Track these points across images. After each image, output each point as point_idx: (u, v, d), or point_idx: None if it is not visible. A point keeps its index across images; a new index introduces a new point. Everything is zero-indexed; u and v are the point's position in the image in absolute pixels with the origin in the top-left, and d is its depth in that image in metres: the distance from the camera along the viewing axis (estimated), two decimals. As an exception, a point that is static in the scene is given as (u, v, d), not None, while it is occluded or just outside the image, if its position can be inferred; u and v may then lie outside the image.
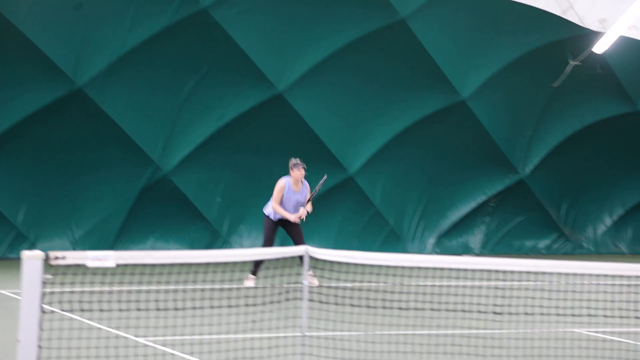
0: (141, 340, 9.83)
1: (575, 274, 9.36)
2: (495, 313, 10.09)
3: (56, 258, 6.53)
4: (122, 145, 19.48)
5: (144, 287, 12.47)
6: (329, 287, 10.44)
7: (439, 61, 20.54)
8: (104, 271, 7.69)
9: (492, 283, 10.95)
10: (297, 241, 15.05)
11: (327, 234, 21.38)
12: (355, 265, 8.14)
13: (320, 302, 9.72)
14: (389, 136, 21.21)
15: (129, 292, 11.37)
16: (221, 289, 13.57)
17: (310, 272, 14.55)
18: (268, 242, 15.20)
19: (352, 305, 10.00)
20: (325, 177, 15.49)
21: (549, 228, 23.20)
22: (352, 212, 21.59)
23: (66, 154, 19.48)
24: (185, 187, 20.23)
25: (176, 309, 10.14)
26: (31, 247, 19.19)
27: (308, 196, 15.21)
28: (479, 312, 9.88)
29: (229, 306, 9.78)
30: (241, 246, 20.66)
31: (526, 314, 10.83)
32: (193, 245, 20.44)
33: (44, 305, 6.52)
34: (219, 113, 19.93)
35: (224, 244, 20.75)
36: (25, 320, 6.37)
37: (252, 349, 9.31)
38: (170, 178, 20.04)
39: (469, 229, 22.65)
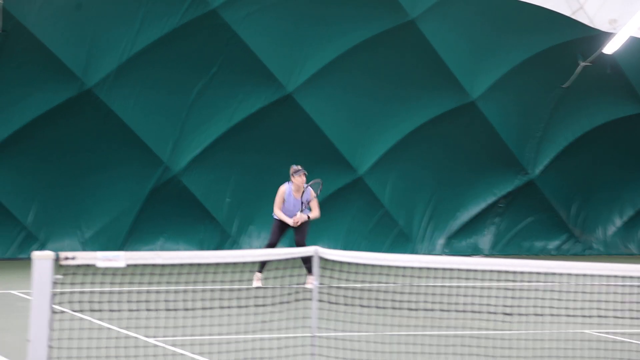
0: (151, 340, 9.84)
1: (585, 275, 9.35)
2: (505, 314, 10.07)
3: (66, 258, 6.54)
4: (132, 145, 19.50)
5: (153, 288, 12.49)
6: (339, 287, 10.44)
7: (449, 62, 20.53)
8: (114, 271, 7.70)
9: (502, 284, 10.94)
10: (297, 241, 15.12)
11: (336, 234, 21.38)
12: (365, 265, 8.14)
13: (330, 302, 9.71)
14: (398, 137, 21.20)
15: (139, 292, 11.38)
16: (231, 290, 13.57)
17: (311, 277, 14.62)
18: (272, 242, 15.27)
19: (361, 305, 9.99)
20: (320, 183, 15.44)
21: (559, 229, 23.16)
22: (362, 212, 21.59)
23: (76, 154, 19.52)
24: (195, 187, 20.25)
25: (186, 309, 10.15)
26: (41, 247, 19.23)
27: (312, 201, 15.22)
28: (489, 312, 9.87)
29: (239, 306, 9.78)
30: (250, 247, 20.68)
31: (536, 314, 10.81)
32: (202, 246, 20.46)
33: (54, 306, 6.53)
34: (228, 114, 19.94)
35: (233, 244, 20.77)
36: (36, 320, 6.38)
37: (261, 349, 9.31)
38: (179, 178, 20.06)
39: (478, 229, 22.63)
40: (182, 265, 10.41)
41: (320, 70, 20.00)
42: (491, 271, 8.23)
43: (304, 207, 15.06)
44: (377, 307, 10.38)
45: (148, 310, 9.42)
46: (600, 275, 9.48)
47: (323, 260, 7.85)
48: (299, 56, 19.81)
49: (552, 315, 10.43)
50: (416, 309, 11.00)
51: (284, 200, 15.16)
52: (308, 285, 14.59)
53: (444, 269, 8.28)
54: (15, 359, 9.04)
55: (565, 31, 20.81)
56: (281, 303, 11.35)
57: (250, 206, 20.66)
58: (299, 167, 15.15)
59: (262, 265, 15.30)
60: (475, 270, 8.98)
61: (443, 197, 22.11)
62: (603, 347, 10.19)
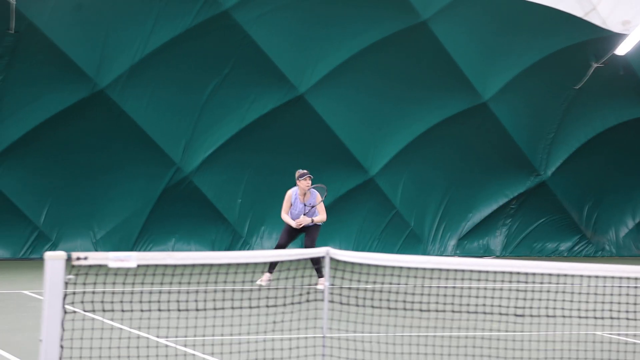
0: (162, 340, 9.85)
1: (597, 277, 9.33)
2: (516, 315, 10.06)
3: (78, 259, 6.56)
4: (144, 146, 19.54)
5: (165, 288, 12.50)
6: (350, 288, 10.44)
7: (461, 63, 20.51)
8: (125, 272, 7.71)
9: (514, 285, 10.92)
10: (306, 245, 15.19)
11: (347, 235, 21.39)
12: (376, 266, 8.14)
13: (341, 303, 9.71)
14: (410, 138, 21.19)
15: (151, 292, 11.40)
16: (242, 290, 13.59)
17: (322, 279, 14.63)
18: (279, 244, 15.34)
19: (372, 306, 9.99)
20: (325, 189, 15.49)
21: (571, 230, 23.12)
22: (373, 213, 21.58)
23: (88, 155, 19.56)
24: (207, 188, 20.27)
25: (197, 309, 10.16)
26: (53, 247, 19.29)
27: (318, 205, 15.25)
28: (500, 314, 9.85)
29: (250, 307, 9.79)
30: (262, 247, 20.70)
31: (548, 316, 10.79)
32: (214, 247, 20.49)
33: (66, 306, 6.54)
34: (240, 114, 19.96)
35: (245, 245, 20.78)
36: (48, 320, 6.40)
37: (272, 349, 9.32)
38: (191, 179, 20.09)
39: (490, 230, 22.61)
40: (193, 265, 10.43)
41: (332, 71, 20.00)
42: (503, 272, 8.22)
43: (306, 210, 15.11)
44: (389, 308, 10.37)
45: (159, 310, 9.43)
46: (612, 277, 9.46)
47: (334, 261, 7.85)
48: (311, 57, 19.82)
49: (563, 316, 10.41)
50: (427, 310, 10.99)
51: (291, 205, 15.25)
52: (319, 286, 14.61)
53: (456, 270, 8.28)
54: (27, 359, 9.06)
55: (577, 32, 20.77)
56: (292, 304, 11.36)
57: (262, 207, 20.68)
58: (305, 171, 15.22)
59: (272, 266, 15.34)
60: (487, 272, 8.97)
61: (455, 198, 22.10)
62: (615, 349, 10.17)
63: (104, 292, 11.60)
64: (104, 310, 10.17)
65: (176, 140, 19.84)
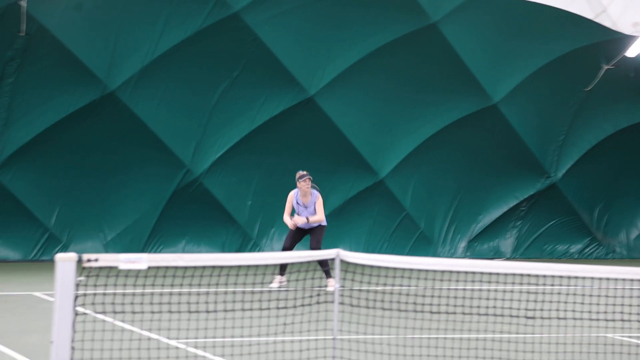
0: (172, 342, 9.86)
1: (608, 279, 9.31)
2: (527, 317, 10.05)
3: (89, 260, 6.57)
4: (154, 148, 19.57)
5: (175, 290, 12.52)
6: (360, 290, 10.44)
7: (471, 65, 20.49)
8: (136, 273, 7.72)
9: (524, 287, 10.91)
10: (312, 247, 15.21)
11: (357, 237, 21.38)
12: (386, 268, 8.13)
13: (352, 305, 9.71)
14: (420, 140, 21.18)
15: (161, 294, 11.41)
16: (252, 292, 13.59)
17: (332, 280, 14.63)
18: (284, 247, 15.38)
19: (383, 308, 9.98)
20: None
21: (581, 232, 23.07)
22: (383, 215, 21.57)
23: (99, 156, 19.60)
24: (217, 190, 20.29)
25: (207, 311, 10.17)
26: (63, 249, 19.32)
27: (316, 203, 15.26)
28: (511, 316, 9.84)
29: (260, 309, 9.79)
30: (272, 249, 20.71)
31: (558, 318, 10.77)
32: (224, 248, 20.51)
33: (77, 307, 6.55)
34: (251, 116, 19.97)
35: (255, 247, 20.80)
36: (59, 321, 6.41)
37: (283, 351, 9.32)
38: (201, 181, 20.11)
39: (500, 233, 22.57)
40: (203, 267, 10.44)
41: (342, 74, 20.00)
42: (513, 274, 8.21)
43: (305, 209, 15.14)
44: (399, 310, 10.37)
45: (170, 312, 9.44)
46: (623, 279, 9.44)
47: (344, 263, 7.85)
48: (320, 59, 19.82)
49: (574, 319, 10.39)
50: (438, 312, 10.98)
51: (293, 207, 15.30)
52: (329, 288, 14.61)
53: (466, 272, 8.27)
54: (38, 360, 9.08)
55: (588, 34, 20.73)
56: (302, 305, 11.36)
57: (272, 209, 20.68)
58: (304, 173, 15.26)
59: (283, 269, 15.36)
60: (497, 274, 8.95)
61: (465, 200, 22.07)
62: (626, 351, 10.14)
63: (114, 294, 11.62)
64: (114, 312, 10.18)
65: (186, 142, 19.87)
